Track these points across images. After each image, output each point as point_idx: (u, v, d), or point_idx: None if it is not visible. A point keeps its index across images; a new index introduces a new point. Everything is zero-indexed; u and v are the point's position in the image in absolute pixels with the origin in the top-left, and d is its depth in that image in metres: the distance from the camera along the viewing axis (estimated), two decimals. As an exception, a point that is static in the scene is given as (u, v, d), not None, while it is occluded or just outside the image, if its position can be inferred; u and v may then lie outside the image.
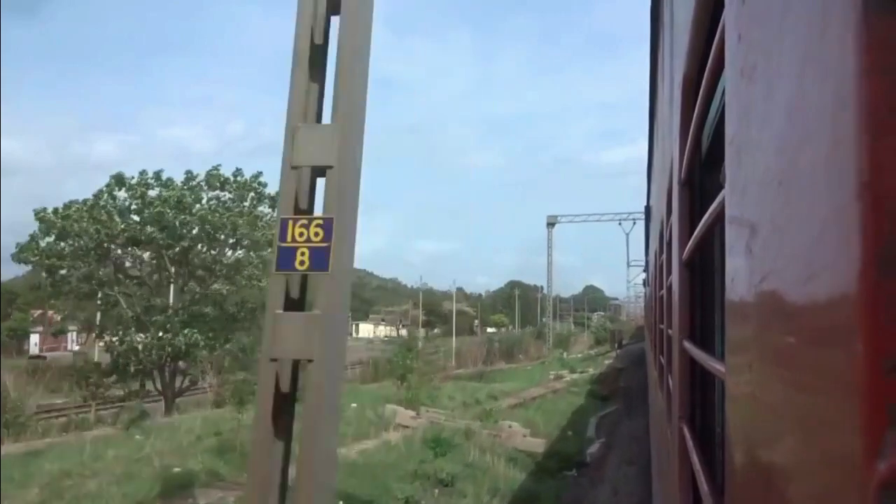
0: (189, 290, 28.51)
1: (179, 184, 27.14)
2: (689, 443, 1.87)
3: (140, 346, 26.17)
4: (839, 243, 0.48)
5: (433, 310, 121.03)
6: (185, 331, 26.04)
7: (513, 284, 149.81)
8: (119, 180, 26.73)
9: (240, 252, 28.86)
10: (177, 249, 27.05)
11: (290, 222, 4.64)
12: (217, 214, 26.86)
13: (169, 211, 26.07)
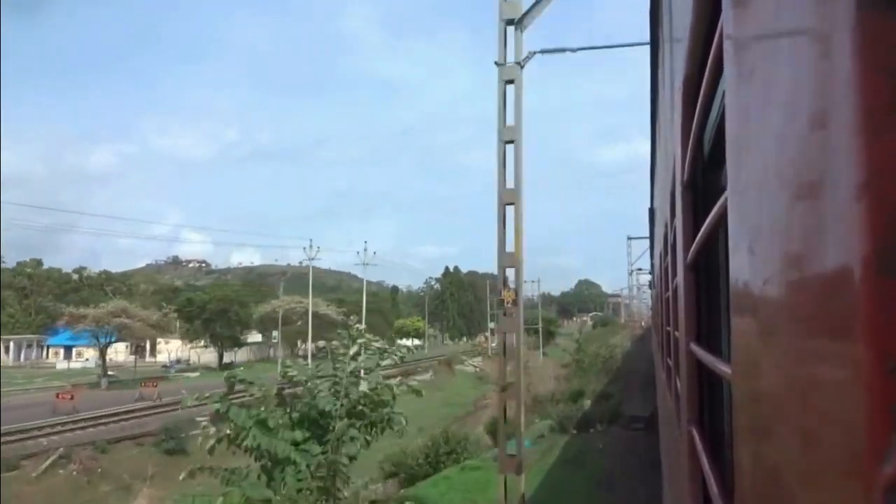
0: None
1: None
2: (699, 445, 1.86)
3: None
4: (840, 244, 0.48)
5: (228, 309, 57.23)
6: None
7: (449, 276, 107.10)
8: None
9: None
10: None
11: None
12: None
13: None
